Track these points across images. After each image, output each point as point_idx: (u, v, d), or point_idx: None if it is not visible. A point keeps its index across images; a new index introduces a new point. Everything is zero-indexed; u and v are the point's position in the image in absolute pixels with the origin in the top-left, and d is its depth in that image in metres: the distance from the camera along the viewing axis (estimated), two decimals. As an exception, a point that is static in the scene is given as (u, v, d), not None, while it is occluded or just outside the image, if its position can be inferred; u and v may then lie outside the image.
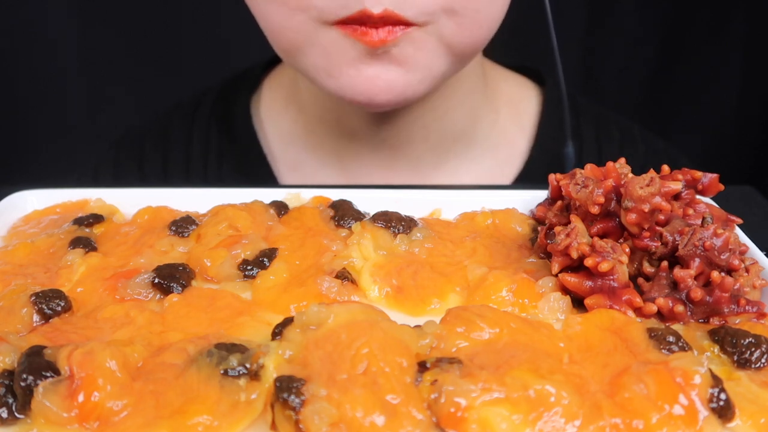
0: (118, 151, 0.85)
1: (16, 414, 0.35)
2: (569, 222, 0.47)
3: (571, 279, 0.44)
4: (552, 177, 0.52)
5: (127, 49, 1.20)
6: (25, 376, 0.35)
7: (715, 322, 0.43)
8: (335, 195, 0.57)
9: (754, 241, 0.49)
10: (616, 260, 0.44)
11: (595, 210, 0.47)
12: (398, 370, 0.35)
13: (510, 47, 0.78)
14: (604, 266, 0.43)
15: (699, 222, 0.46)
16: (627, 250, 0.46)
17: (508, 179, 0.77)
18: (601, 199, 0.47)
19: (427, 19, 0.58)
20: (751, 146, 1.19)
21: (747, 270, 0.45)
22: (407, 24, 0.58)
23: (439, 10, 0.58)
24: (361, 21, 0.57)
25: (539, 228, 0.51)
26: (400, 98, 0.61)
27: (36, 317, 0.43)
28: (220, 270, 0.48)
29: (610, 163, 0.49)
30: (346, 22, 0.57)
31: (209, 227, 0.52)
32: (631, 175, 0.48)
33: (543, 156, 0.76)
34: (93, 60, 1.20)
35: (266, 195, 0.57)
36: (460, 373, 0.35)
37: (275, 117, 0.79)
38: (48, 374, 0.36)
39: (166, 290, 0.46)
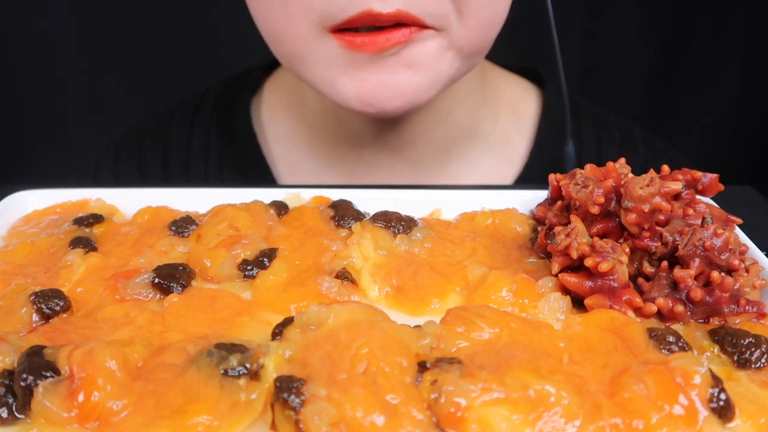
0: (118, 150, 0.85)
1: (16, 414, 0.35)
2: (569, 222, 0.47)
3: (571, 279, 0.44)
4: (552, 177, 0.52)
5: (127, 49, 1.20)
6: (25, 376, 0.35)
7: (715, 322, 0.43)
8: (335, 195, 0.57)
9: (754, 241, 0.49)
10: (616, 260, 0.44)
11: (595, 210, 0.47)
12: (398, 370, 0.35)
13: (511, 48, 0.78)
14: (604, 266, 0.43)
15: (699, 222, 0.46)
16: (627, 250, 0.46)
17: (508, 180, 0.77)
18: (601, 199, 0.47)
19: (440, 22, 0.57)
20: (751, 146, 1.19)
21: (747, 270, 0.45)
22: (419, 24, 0.56)
23: (448, 10, 0.57)
24: (365, 22, 0.56)
25: (539, 228, 0.51)
26: (411, 103, 0.60)
27: (35, 317, 0.43)
28: (220, 270, 0.48)
29: (610, 163, 0.49)
30: (351, 25, 0.56)
31: (209, 227, 0.52)
32: (631, 175, 0.48)
33: (543, 157, 0.76)
34: (93, 60, 1.20)
35: (266, 195, 0.57)
36: (460, 373, 0.35)
37: (276, 119, 0.79)
38: (48, 374, 0.36)
39: (166, 290, 0.46)
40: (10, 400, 0.36)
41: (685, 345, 0.39)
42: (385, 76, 0.58)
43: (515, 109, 0.79)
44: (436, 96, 0.64)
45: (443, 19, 0.57)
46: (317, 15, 0.57)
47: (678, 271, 0.44)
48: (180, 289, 0.46)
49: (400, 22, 0.56)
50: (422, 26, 0.57)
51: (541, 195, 0.56)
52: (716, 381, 0.35)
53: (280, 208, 0.56)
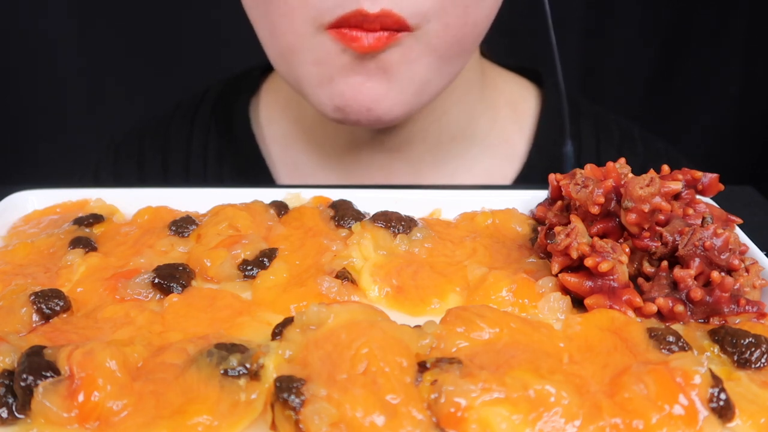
0: (118, 151, 0.85)
1: (16, 414, 0.35)
2: (569, 222, 0.47)
3: (571, 279, 0.44)
4: (552, 177, 0.52)
5: (127, 49, 1.20)
6: (25, 376, 0.35)
7: (715, 322, 0.43)
8: (335, 195, 0.57)
9: (754, 241, 0.49)
10: (616, 260, 0.44)
11: (595, 210, 0.47)
12: (398, 370, 0.35)
13: (510, 48, 0.78)
14: (604, 266, 0.43)
15: (699, 222, 0.46)
16: (627, 250, 0.46)
17: (507, 179, 0.77)
18: (601, 199, 0.47)
19: (419, 20, 0.57)
20: (751, 146, 1.19)
21: (747, 270, 0.45)
22: (401, 25, 0.57)
23: (431, 10, 0.57)
24: (356, 21, 0.56)
25: (539, 228, 0.51)
26: (389, 112, 0.61)
27: (35, 317, 0.43)
28: (220, 270, 0.48)
29: (610, 163, 0.49)
30: (341, 24, 0.57)
31: (209, 227, 0.52)
32: (631, 175, 0.48)
33: (542, 156, 0.76)
34: (93, 60, 1.20)
35: (266, 195, 0.57)
36: (460, 373, 0.35)
37: (274, 120, 0.79)
38: (48, 374, 0.36)
39: (166, 290, 0.46)
40: (10, 400, 0.36)
41: (685, 345, 0.39)
42: (365, 77, 0.59)
43: (515, 108, 0.79)
44: (420, 106, 0.64)
45: (421, 16, 0.57)
46: (314, 10, 0.57)
47: (678, 271, 0.44)
48: (180, 289, 0.46)
49: (384, 24, 0.56)
50: (401, 28, 0.57)
51: (541, 195, 0.56)
52: (716, 381, 0.35)
53: (280, 208, 0.56)
